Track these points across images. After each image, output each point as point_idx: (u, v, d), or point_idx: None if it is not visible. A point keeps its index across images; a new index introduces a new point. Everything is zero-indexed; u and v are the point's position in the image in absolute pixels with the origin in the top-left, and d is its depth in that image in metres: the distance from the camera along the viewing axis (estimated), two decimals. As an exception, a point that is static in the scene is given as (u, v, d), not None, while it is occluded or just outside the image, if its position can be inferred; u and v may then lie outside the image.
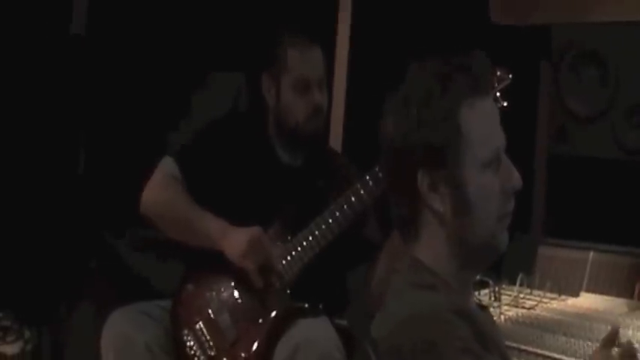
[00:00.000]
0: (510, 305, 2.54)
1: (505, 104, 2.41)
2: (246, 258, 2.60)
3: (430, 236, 1.58)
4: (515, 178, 1.58)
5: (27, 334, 3.67)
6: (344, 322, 2.74)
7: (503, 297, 2.58)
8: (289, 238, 2.69)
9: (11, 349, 3.64)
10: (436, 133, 1.52)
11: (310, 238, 2.66)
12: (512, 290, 2.62)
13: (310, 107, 2.75)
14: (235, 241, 2.61)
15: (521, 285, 2.64)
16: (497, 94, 2.44)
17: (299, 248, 2.67)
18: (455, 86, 1.54)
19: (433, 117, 1.52)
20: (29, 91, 3.71)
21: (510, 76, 2.45)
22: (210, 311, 2.68)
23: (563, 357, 2.12)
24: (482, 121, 1.56)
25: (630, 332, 2.25)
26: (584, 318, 2.41)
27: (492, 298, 2.57)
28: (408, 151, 1.54)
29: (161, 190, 2.75)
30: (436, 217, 1.56)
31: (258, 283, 2.63)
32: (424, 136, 1.52)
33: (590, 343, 2.16)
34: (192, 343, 2.66)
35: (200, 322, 2.67)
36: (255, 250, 2.60)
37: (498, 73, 2.45)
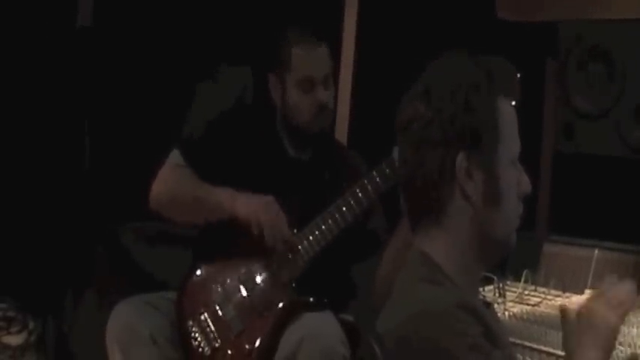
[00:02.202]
0: (515, 302, 2.54)
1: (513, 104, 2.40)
2: (259, 212, 2.60)
3: (453, 225, 1.59)
4: (526, 183, 1.63)
5: (31, 324, 3.68)
6: (349, 317, 2.75)
7: (507, 293, 2.58)
8: (295, 231, 2.70)
9: (15, 339, 3.65)
10: (481, 120, 1.56)
11: (316, 232, 2.67)
12: (517, 287, 2.62)
13: (315, 106, 2.75)
14: (248, 199, 2.62)
15: (525, 282, 2.64)
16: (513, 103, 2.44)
17: (305, 242, 2.68)
18: (496, 80, 1.59)
19: (480, 104, 1.57)
20: (34, 84, 3.72)
21: (518, 75, 2.45)
22: (215, 303, 2.69)
23: (567, 354, 2.12)
24: (511, 120, 1.62)
25: (635, 330, 2.25)
26: (589, 315, 2.41)
27: (497, 295, 2.57)
28: (453, 133, 1.56)
29: (168, 178, 2.76)
30: (466, 204, 1.58)
31: (271, 241, 2.62)
32: (470, 120, 1.56)
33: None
34: (197, 334, 2.67)
35: (205, 314, 2.68)
36: (268, 209, 2.61)
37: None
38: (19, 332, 3.67)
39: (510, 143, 1.60)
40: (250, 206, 2.61)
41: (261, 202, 2.62)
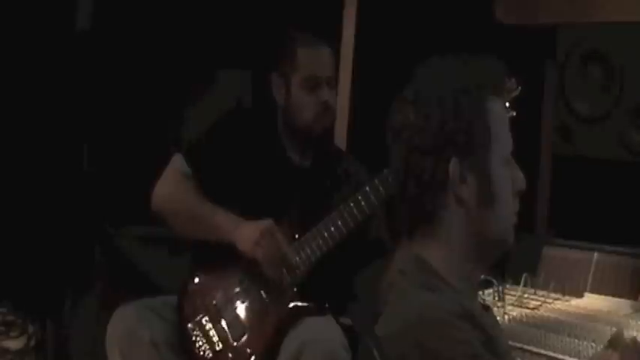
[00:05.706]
0: (514, 305, 2.55)
1: (514, 114, 2.38)
2: (258, 248, 2.61)
3: (448, 230, 1.59)
4: (520, 180, 1.63)
5: (31, 329, 3.67)
6: (347, 320, 2.75)
7: (507, 297, 2.58)
8: (296, 237, 2.70)
9: (15, 344, 3.65)
10: (471, 124, 1.55)
11: (318, 239, 2.67)
12: (516, 290, 2.63)
13: (320, 105, 2.76)
14: (247, 231, 2.61)
15: (525, 285, 2.64)
16: (507, 103, 2.43)
17: (306, 248, 2.68)
18: (484, 82, 1.58)
19: (470, 107, 1.56)
20: (33, 87, 3.72)
21: (519, 87, 2.44)
22: (216, 306, 2.69)
23: (566, 357, 2.12)
24: (503, 120, 1.61)
25: (634, 333, 2.26)
26: (588, 319, 2.41)
27: (496, 298, 2.57)
28: (444, 139, 1.55)
29: (172, 186, 2.76)
30: (461, 208, 1.57)
31: (270, 274, 2.63)
32: (461, 124, 1.55)
33: (593, 344, 2.16)
34: (198, 337, 2.67)
35: (206, 317, 2.68)
36: (267, 241, 2.60)
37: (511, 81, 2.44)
38: (18, 336, 3.67)
39: (502, 142, 1.60)
40: (248, 242, 2.61)
41: (258, 236, 2.60)
